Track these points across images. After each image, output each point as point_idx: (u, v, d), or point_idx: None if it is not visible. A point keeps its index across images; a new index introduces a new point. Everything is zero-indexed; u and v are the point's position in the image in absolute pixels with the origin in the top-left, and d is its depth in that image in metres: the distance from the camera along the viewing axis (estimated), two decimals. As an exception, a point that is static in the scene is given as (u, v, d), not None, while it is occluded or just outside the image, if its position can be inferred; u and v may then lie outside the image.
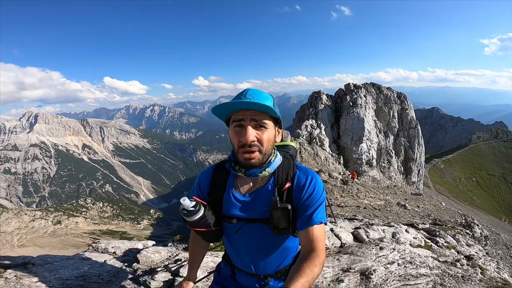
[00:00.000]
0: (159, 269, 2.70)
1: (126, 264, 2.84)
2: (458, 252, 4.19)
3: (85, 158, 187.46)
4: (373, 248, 3.36)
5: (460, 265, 3.64)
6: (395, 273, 2.81)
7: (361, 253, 3.21)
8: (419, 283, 2.74)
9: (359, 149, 25.34)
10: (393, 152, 28.34)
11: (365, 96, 27.64)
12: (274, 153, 1.23)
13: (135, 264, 2.83)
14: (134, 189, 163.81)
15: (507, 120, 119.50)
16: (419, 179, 29.84)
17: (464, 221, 11.90)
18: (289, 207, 1.14)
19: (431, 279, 2.88)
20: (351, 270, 2.76)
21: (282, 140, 1.46)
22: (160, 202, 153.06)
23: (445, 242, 4.36)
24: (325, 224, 1.17)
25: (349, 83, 29.08)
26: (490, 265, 4.31)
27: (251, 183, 1.24)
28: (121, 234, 55.26)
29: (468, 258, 4.20)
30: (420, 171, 30.10)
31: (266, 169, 1.17)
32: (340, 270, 2.81)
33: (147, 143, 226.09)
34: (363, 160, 25.37)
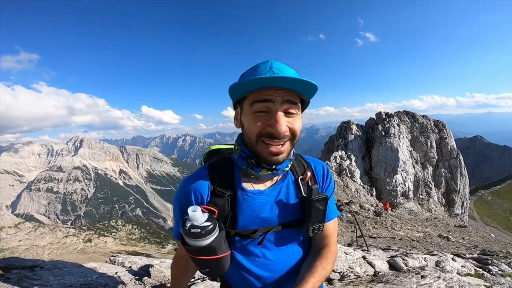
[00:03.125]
0: (169, 285, 2.50)
1: (137, 277, 2.72)
2: None
3: (121, 183, 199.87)
4: (412, 276, 3.01)
5: None
6: None
7: (399, 281, 2.88)
8: None
9: (394, 181, 24.34)
10: (433, 183, 26.72)
11: (398, 125, 27.04)
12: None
13: (146, 278, 2.67)
14: (163, 215, 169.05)
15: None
16: (463, 211, 27.45)
17: None
18: (326, 195, 0.91)
19: None
20: None
21: None
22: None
23: (499, 270, 3.97)
24: (339, 216, 1.18)
25: (380, 112, 28.72)
26: None
27: (267, 181, 0.94)
28: (146, 256, 56.34)
29: None
30: (465, 203, 27.76)
31: (288, 165, 0.92)
32: None
33: (177, 172, 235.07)
34: (398, 192, 24.21)
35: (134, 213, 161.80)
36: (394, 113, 28.73)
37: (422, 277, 3.01)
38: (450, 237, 13.63)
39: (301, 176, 0.96)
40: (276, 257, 0.94)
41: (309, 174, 0.98)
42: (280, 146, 0.82)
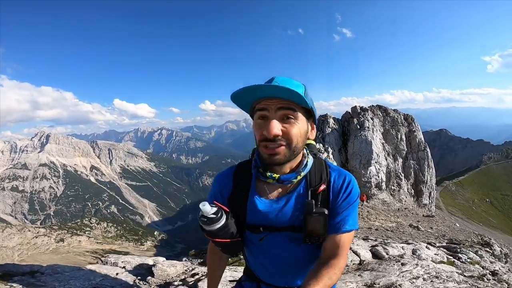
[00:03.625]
0: (176, 283, 2.60)
1: (139, 277, 2.74)
2: (483, 268, 4.11)
3: (93, 179, 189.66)
4: (394, 264, 3.35)
5: (487, 279, 3.60)
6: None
7: (383, 269, 3.21)
8: None
9: (368, 173, 25.31)
10: (403, 175, 28.14)
11: (372, 119, 28.03)
12: (307, 152, 1.07)
13: (150, 277, 2.73)
14: (139, 211, 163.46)
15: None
16: (430, 201, 29.27)
17: (481, 240, 11.70)
18: (326, 211, 0.98)
19: None
20: (375, 286, 2.75)
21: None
22: (164, 224, 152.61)
23: (468, 258, 4.29)
24: (357, 229, 1.05)
25: (355, 106, 29.59)
26: None
27: (280, 188, 1.05)
28: (124, 254, 54.12)
29: (493, 273, 4.20)
30: (432, 193, 29.59)
31: (301, 174, 1.01)
32: (364, 285, 2.78)
33: (154, 167, 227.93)
34: (372, 184, 25.24)
35: (108, 211, 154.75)
36: (368, 107, 29.75)
37: (403, 264, 3.31)
38: (420, 226, 14.47)
39: (312, 188, 1.02)
40: (275, 253, 1.11)
41: (322, 187, 1.02)
42: (275, 148, 0.91)
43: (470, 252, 4.46)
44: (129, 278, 2.66)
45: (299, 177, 1.00)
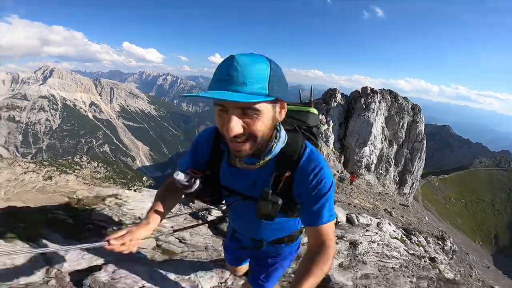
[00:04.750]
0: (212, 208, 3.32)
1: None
2: (425, 251, 5.08)
3: (90, 116, 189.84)
4: (361, 229, 4.18)
5: (424, 261, 4.47)
6: (374, 249, 3.66)
7: (351, 230, 4.07)
8: (390, 262, 3.57)
9: (362, 152, 25.97)
10: (393, 161, 28.92)
11: (379, 102, 27.86)
12: (277, 135, 0.96)
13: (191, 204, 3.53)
14: (132, 153, 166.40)
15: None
16: (411, 191, 30.59)
17: (439, 234, 12.83)
18: (280, 201, 0.99)
19: (399, 261, 3.71)
20: (343, 238, 3.62)
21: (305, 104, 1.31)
22: (155, 170, 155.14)
23: (417, 240, 5.31)
24: (335, 218, 1.04)
25: (366, 87, 29.17)
26: (447, 273, 4.91)
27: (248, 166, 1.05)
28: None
29: (432, 259, 5.00)
30: (414, 184, 30.79)
31: (264, 159, 0.97)
32: (336, 236, 3.49)
33: (153, 110, 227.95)
34: (363, 163, 26.05)
35: (101, 149, 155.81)
36: (379, 90, 29.35)
37: (367, 230, 4.16)
38: (393, 212, 15.44)
39: (277, 173, 1.01)
40: (241, 214, 1.25)
41: (287, 174, 1.00)
42: (240, 144, 0.86)
43: (422, 237, 5.39)
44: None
45: (262, 162, 0.97)
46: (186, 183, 1.05)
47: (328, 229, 0.99)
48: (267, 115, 0.85)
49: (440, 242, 9.46)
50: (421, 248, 5.03)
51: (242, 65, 0.77)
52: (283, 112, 0.93)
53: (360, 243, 3.56)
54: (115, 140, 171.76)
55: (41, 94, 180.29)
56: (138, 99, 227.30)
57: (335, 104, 27.38)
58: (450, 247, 10.61)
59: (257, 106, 0.80)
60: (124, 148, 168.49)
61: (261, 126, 0.85)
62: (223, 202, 1.25)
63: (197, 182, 1.07)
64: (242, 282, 2.13)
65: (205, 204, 1.33)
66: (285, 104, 0.92)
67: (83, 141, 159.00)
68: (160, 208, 1.17)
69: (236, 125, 0.80)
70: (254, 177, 1.05)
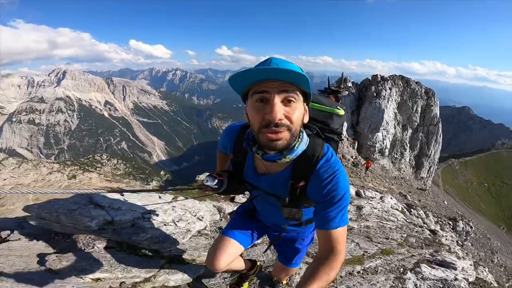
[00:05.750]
0: None
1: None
2: (424, 223, 5.88)
3: (106, 114, 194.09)
4: (366, 200, 5.29)
5: (421, 229, 5.19)
6: (376, 213, 4.65)
7: (358, 200, 5.15)
8: (387, 224, 4.49)
9: (374, 137, 26.12)
10: (408, 145, 28.83)
11: (390, 89, 27.69)
12: (300, 135, 1.00)
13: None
14: (148, 149, 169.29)
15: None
16: (428, 175, 30.45)
17: (451, 215, 13.08)
18: (298, 206, 1.11)
19: (395, 224, 4.64)
20: (352, 203, 4.73)
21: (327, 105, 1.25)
22: (171, 164, 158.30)
23: (417, 213, 6.13)
24: (346, 224, 1.04)
25: (376, 75, 28.98)
26: (455, 248, 5.23)
27: (269, 166, 1.13)
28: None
29: (433, 232, 5.58)
30: (431, 168, 30.60)
31: (286, 156, 0.98)
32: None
33: (165, 105, 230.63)
34: (376, 148, 26.23)
35: (119, 147, 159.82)
36: (389, 76, 29.09)
37: (371, 200, 5.20)
38: (408, 196, 15.56)
39: (292, 181, 1.06)
40: (263, 207, 1.41)
41: (301, 183, 1.05)
42: (279, 133, 0.87)
43: (421, 210, 6.22)
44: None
45: (283, 159, 0.98)
46: (216, 186, 1.21)
47: (339, 235, 0.99)
48: (301, 109, 0.92)
49: (450, 222, 9.88)
50: (419, 219, 5.81)
51: (279, 60, 0.90)
52: (306, 117, 0.99)
53: (364, 207, 4.64)
54: (131, 137, 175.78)
55: (57, 96, 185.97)
56: (150, 95, 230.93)
57: (346, 93, 27.41)
58: (463, 228, 10.83)
59: (297, 95, 0.88)
60: (140, 144, 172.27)
61: (299, 116, 0.90)
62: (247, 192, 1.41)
63: (225, 183, 1.22)
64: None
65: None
66: (307, 109, 1.00)
67: (101, 139, 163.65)
68: (223, 165, 1.54)
69: (280, 110, 0.85)
70: (273, 179, 1.14)
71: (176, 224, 2.50)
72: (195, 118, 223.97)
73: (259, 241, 2.72)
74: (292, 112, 0.87)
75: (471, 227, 11.91)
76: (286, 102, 0.86)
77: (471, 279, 2.99)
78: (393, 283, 2.46)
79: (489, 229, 32.83)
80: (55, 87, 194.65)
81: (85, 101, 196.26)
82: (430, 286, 2.54)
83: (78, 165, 57.21)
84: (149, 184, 72.47)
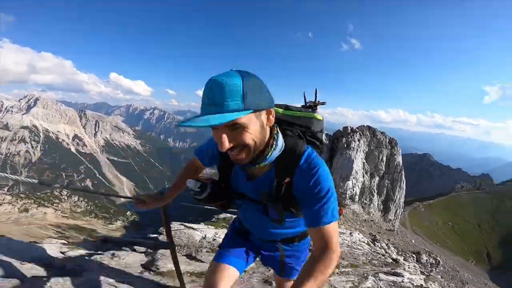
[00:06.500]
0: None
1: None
2: (385, 252, 7.60)
3: (73, 149, 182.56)
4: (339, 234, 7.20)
5: (384, 257, 6.85)
6: (346, 243, 6.36)
7: None
8: (355, 251, 6.09)
9: (345, 185, 28.79)
10: (376, 191, 31.79)
11: (359, 140, 31.29)
12: (273, 142, 1.01)
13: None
14: (116, 189, 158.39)
15: (494, 173, 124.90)
16: (395, 217, 33.12)
17: (415, 250, 14.87)
18: (281, 204, 1.12)
19: (362, 251, 6.23)
20: None
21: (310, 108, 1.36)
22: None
23: (380, 245, 7.84)
24: (337, 220, 1.03)
25: (347, 126, 32.50)
26: (416, 274, 6.79)
27: (253, 170, 1.13)
28: (90, 231, 50.08)
29: (395, 260, 7.36)
30: (398, 211, 33.42)
31: (260, 164, 1.01)
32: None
33: (139, 145, 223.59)
34: (347, 195, 28.79)
35: (82, 184, 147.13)
36: (357, 127, 32.93)
37: (341, 235, 6.90)
38: (378, 236, 17.44)
39: (278, 179, 1.09)
40: (249, 216, 1.40)
41: (287, 179, 1.07)
42: (236, 155, 0.94)
43: (383, 243, 7.99)
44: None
45: (257, 166, 1.03)
46: (198, 190, 1.17)
47: (330, 231, 1.00)
48: (253, 125, 0.90)
49: (414, 255, 11.72)
50: (382, 250, 7.54)
51: (218, 85, 0.84)
52: (272, 117, 0.98)
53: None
54: (97, 175, 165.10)
55: (23, 125, 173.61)
56: (124, 133, 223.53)
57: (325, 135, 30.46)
58: (427, 260, 12.51)
59: (238, 121, 0.85)
60: (107, 183, 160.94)
61: (249, 136, 0.91)
62: (232, 206, 1.37)
63: (208, 188, 1.18)
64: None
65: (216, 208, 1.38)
66: (273, 110, 0.98)
67: (63, 175, 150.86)
68: (178, 187, 1.49)
69: (225, 141, 0.88)
70: (260, 183, 1.14)
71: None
72: (169, 161, 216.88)
73: (253, 264, 2.71)
74: (240, 136, 0.89)
75: (437, 261, 13.20)
76: (232, 129, 0.88)
77: (415, 284, 4.79)
78: (360, 280, 4.24)
79: (457, 263, 34.82)
80: (23, 114, 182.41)
81: (53, 132, 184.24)
82: (384, 285, 4.33)
83: (33, 198, 53.03)
84: (113, 224, 66.71)
